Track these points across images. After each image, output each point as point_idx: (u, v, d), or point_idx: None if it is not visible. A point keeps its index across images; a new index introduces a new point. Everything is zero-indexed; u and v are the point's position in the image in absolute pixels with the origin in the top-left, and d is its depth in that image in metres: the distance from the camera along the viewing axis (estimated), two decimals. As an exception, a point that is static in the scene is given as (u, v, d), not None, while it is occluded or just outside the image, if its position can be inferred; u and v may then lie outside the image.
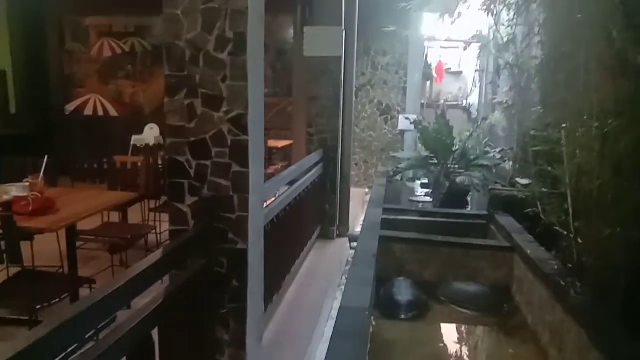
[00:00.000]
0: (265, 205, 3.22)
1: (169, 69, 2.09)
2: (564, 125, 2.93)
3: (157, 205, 4.53)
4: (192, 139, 2.10)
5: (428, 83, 8.37)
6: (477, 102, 7.73)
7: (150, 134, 7.11)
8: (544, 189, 3.56)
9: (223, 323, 2.18)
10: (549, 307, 3.02)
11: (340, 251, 4.84)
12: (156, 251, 1.81)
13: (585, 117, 2.77)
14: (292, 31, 6.74)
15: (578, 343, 2.55)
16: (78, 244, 3.64)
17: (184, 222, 2.16)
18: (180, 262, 2.03)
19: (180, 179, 2.13)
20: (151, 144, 6.32)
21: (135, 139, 7.03)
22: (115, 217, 4.48)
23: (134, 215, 4.51)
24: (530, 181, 4.09)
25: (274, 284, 3.37)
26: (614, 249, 2.55)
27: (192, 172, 2.11)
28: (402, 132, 7.66)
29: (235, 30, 2.02)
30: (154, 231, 4.20)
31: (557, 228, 3.25)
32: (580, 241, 2.99)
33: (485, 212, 4.73)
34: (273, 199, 3.51)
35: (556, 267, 3.18)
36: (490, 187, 5.03)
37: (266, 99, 7.93)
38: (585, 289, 2.79)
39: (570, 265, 3.12)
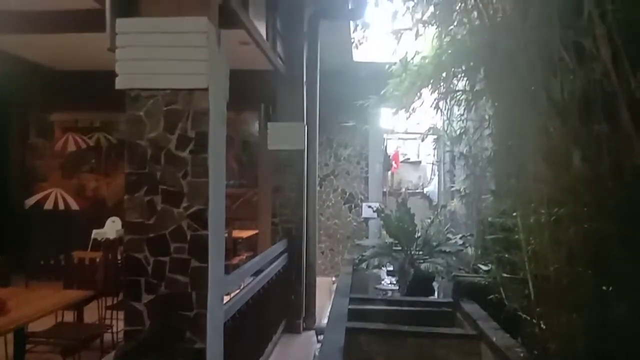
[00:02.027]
0: (227, 299, 3.15)
1: (130, 167, 2.13)
2: (514, 213, 3.06)
3: (115, 302, 4.35)
4: (151, 235, 2.10)
5: (389, 172, 8.66)
6: (436, 190, 8.00)
7: (112, 227, 6.98)
8: (505, 275, 3.62)
9: None
10: (518, 397, 2.97)
11: (306, 345, 4.68)
12: (108, 355, 1.73)
13: (534, 206, 2.91)
14: (257, 125, 6.99)
15: None
16: (28, 346, 3.41)
17: (140, 321, 2.09)
18: (134, 365, 1.93)
19: (137, 277, 2.09)
20: (112, 238, 6.18)
21: (96, 233, 6.87)
22: (70, 316, 4.26)
23: (91, 314, 4.30)
24: (491, 267, 4.17)
25: (236, 385, 3.20)
26: (576, 334, 2.57)
27: (149, 269, 2.08)
28: (366, 219, 7.78)
29: (196, 129, 2.11)
30: (110, 330, 3.99)
31: (521, 314, 3.28)
32: (544, 327, 3.01)
33: (450, 300, 4.73)
34: (237, 291, 3.44)
35: (522, 354, 3.16)
36: (453, 273, 5.08)
37: (232, 190, 7.98)
38: (552, 377, 2.77)
39: (536, 352, 3.11)
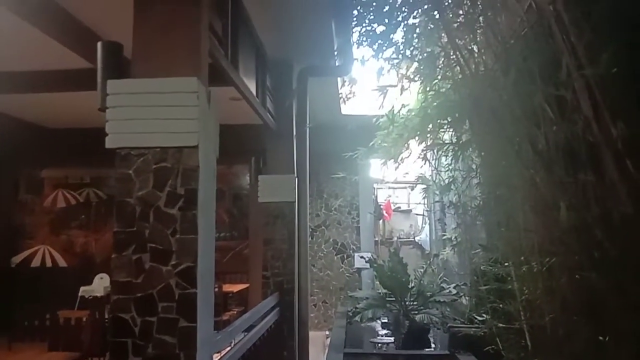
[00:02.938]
0: (217, 357, 3.06)
1: (118, 225, 2.12)
2: (506, 263, 3.05)
3: (101, 363, 4.21)
4: (139, 294, 2.06)
5: (380, 222, 8.67)
6: (428, 238, 7.99)
7: (100, 284, 6.83)
8: (500, 325, 3.57)
9: None
10: None
11: (300, 404, 4.52)
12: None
13: (525, 255, 2.91)
14: (247, 178, 7.04)
15: None
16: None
17: (127, 385, 2.02)
18: None
19: (123, 338, 2.04)
20: (100, 295, 6.05)
21: (83, 290, 6.72)
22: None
23: (75, 377, 4.14)
24: (486, 317, 4.10)
25: None
26: (574, 386, 2.52)
27: (136, 330, 2.03)
28: (359, 270, 7.72)
29: (186, 186, 2.11)
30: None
31: (519, 365, 3.20)
32: (542, 379, 2.94)
33: (447, 352, 4.62)
34: (228, 348, 3.35)
35: (522, 409, 3.07)
36: (449, 324, 4.98)
37: (222, 242, 7.94)
38: None
39: (536, 407, 3.02)
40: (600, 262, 2.18)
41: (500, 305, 3.43)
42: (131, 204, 2.13)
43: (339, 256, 7.98)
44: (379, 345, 5.92)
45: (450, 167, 5.10)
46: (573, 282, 2.50)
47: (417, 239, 8.70)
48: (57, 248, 7.92)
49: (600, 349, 2.28)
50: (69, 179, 8.10)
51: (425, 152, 4.60)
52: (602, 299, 2.21)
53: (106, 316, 4.40)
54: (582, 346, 2.47)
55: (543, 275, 2.80)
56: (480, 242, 4.48)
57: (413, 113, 4.53)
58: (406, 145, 4.92)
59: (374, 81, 4.10)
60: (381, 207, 8.45)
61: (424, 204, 7.73)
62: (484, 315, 4.35)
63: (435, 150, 4.94)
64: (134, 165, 2.16)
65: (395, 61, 3.89)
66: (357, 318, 5.96)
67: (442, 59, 3.57)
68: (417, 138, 4.64)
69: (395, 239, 8.76)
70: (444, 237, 6.40)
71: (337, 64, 5.33)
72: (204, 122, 2.22)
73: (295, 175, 4.91)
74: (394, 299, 5.94)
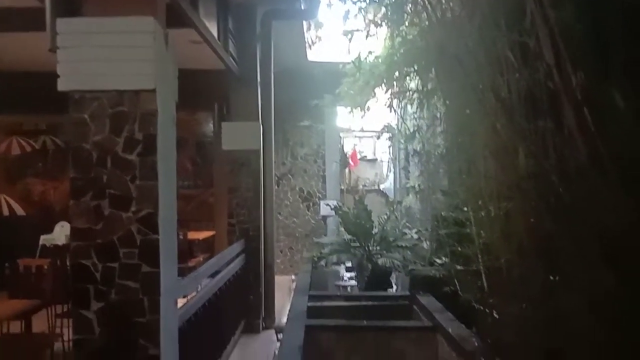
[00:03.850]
0: (182, 302, 3.09)
1: (74, 172, 2.06)
2: (465, 208, 3.14)
3: (65, 310, 4.19)
4: (99, 241, 2.03)
5: (346, 170, 8.73)
6: (392, 186, 8.12)
7: (61, 232, 6.71)
8: (459, 267, 3.71)
9: None
10: (473, 387, 3.05)
11: (266, 345, 4.66)
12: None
13: (483, 201, 3.00)
14: (211, 126, 6.90)
15: (502, 421, 2.56)
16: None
17: (89, 330, 2.02)
18: (84, 376, 1.87)
19: (85, 284, 2.03)
20: (61, 244, 5.95)
21: (44, 239, 6.60)
22: (17, 326, 4.07)
23: (40, 323, 4.13)
24: (446, 260, 4.27)
25: (194, 390, 3.15)
26: (526, 325, 2.67)
27: (98, 275, 2.02)
28: (325, 217, 7.82)
29: (144, 132, 2.06)
30: (61, 339, 3.84)
31: (475, 305, 3.36)
32: (497, 317, 3.10)
33: (407, 293, 4.82)
34: (194, 293, 3.39)
35: (477, 344, 3.25)
36: (410, 267, 5.16)
37: (187, 191, 7.84)
38: (505, 365, 2.86)
39: (489, 341, 3.20)
40: (554, 208, 2.27)
41: (459, 249, 3.57)
42: (87, 150, 2.06)
43: (304, 204, 8.05)
44: (343, 287, 6.12)
45: (416, 116, 5.14)
46: (528, 227, 2.60)
47: (382, 187, 8.83)
48: (15, 197, 7.68)
49: (552, 289, 2.41)
50: (23, 126, 7.75)
51: (391, 100, 4.59)
52: (555, 243, 2.32)
53: (68, 264, 4.34)
54: (535, 287, 2.60)
55: (500, 219, 2.90)
56: (442, 189, 4.58)
57: (380, 60, 4.48)
58: (372, 93, 4.89)
59: (341, 25, 4.00)
60: (347, 155, 8.49)
61: (389, 152, 7.81)
62: (443, 258, 4.53)
63: (400, 99, 4.95)
64: (88, 109, 2.07)
65: (363, 4, 3.80)
66: (322, 263, 6.11)
67: (410, 5, 3.50)
68: (383, 86, 4.61)
69: (360, 187, 8.87)
70: (408, 185, 6.52)
71: (302, 7, 5.17)
72: (161, 64, 2.13)
73: (260, 122, 4.84)
74: (358, 244, 6.08)
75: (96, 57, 2.11)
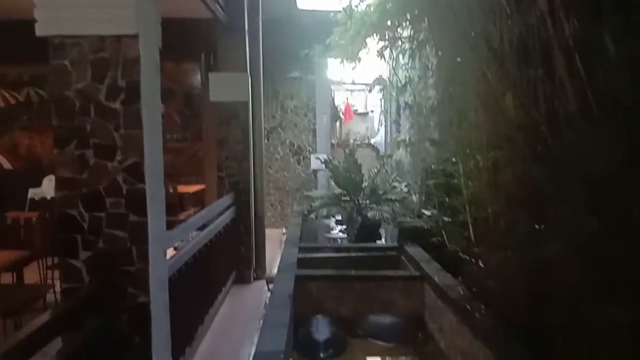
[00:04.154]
0: (172, 253, 3.12)
1: (57, 120, 2.01)
2: (453, 159, 3.14)
3: (56, 262, 4.22)
4: (85, 190, 2.01)
5: (337, 124, 8.66)
6: (383, 140, 8.10)
7: (49, 185, 6.66)
8: (446, 218, 3.76)
9: (126, 384, 2.05)
10: (458, 332, 3.14)
11: (257, 295, 4.76)
12: (46, 313, 1.68)
13: (472, 151, 3.00)
14: (199, 77, 6.75)
15: (486, 364, 2.65)
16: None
17: (79, 278, 2.04)
18: (74, 322, 1.89)
19: (72, 234, 2.02)
20: (49, 197, 5.92)
21: (32, 193, 6.56)
22: (9, 278, 4.10)
23: (31, 275, 4.17)
24: (434, 211, 4.31)
25: (186, 336, 3.22)
26: (511, 272, 2.73)
27: (85, 225, 2.01)
28: (315, 171, 7.82)
29: (127, 79, 2.00)
30: (52, 290, 3.88)
31: (461, 254, 3.43)
32: (482, 265, 3.16)
33: (395, 244, 4.89)
34: (184, 244, 3.41)
35: (462, 292, 3.33)
36: (399, 219, 5.23)
37: (175, 144, 7.75)
38: (489, 312, 2.94)
39: (475, 290, 3.28)
40: (542, 157, 2.27)
41: (447, 200, 3.60)
42: (70, 98, 2.01)
43: (295, 158, 8.03)
44: (333, 240, 6.21)
45: (407, 67, 5.07)
46: (516, 176, 2.62)
47: (372, 141, 8.81)
48: (1, 151, 7.58)
49: (537, 237, 2.45)
50: (6, 77, 7.54)
51: (383, 49, 4.50)
52: (541, 192, 2.34)
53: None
54: (520, 235, 2.64)
55: (488, 170, 2.91)
56: (431, 138, 4.56)
57: (372, 8, 4.36)
58: (364, 43, 4.79)
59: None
60: (338, 108, 8.40)
61: (381, 105, 7.73)
62: (431, 210, 4.58)
63: (392, 49, 4.86)
64: (69, 55, 2.01)
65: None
66: (313, 216, 6.16)
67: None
68: (375, 35, 4.51)
69: (351, 141, 8.84)
70: (399, 139, 6.50)
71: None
72: (143, 9, 2.05)
73: (249, 73, 4.74)
74: (348, 198, 6.13)
75: (75, 1, 2.02)
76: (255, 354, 2.66)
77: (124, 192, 1.99)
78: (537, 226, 2.40)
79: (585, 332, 1.91)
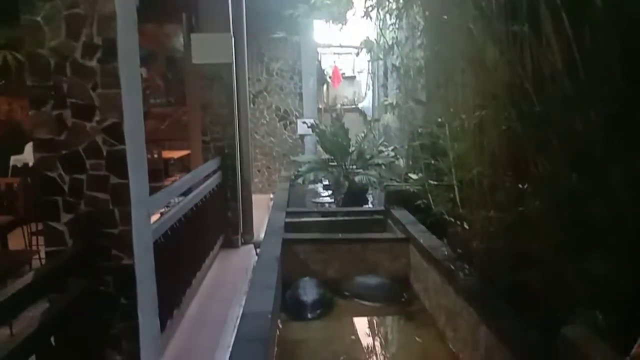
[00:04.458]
0: (157, 217, 3.10)
1: (32, 80, 1.95)
2: (440, 119, 3.13)
3: (40, 228, 4.19)
4: (64, 152, 1.97)
5: (324, 88, 8.56)
6: (370, 104, 8.04)
7: (32, 152, 6.55)
8: (432, 181, 3.78)
9: (114, 344, 2.06)
10: (442, 291, 3.20)
11: (245, 259, 4.79)
12: (27, 275, 1.67)
13: (459, 111, 2.98)
14: (181, 39, 6.58)
15: (469, 321, 2.72)
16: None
17: (62, 241, 2.01)
18: (59, 284, 1.88)
19: (53, 196, 1.99)
20: (32, 163, 5.83)
21: (14, 160, 6.45)
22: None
23: (17, 242, 4.14)
24: (420, 175, 4.33)
25: (173, 299, 3.25)
26: (494, 232, 2.76)
27: (65, 187, 1.98)
28: (302, 136, 7.77)
29: (103, 36, 1.93)
30: (38, 256, 3.87)
31: (446, 216, 3.46)
32: (467, 227, 3.20)
33: (382, 208, 4.92)
34: (169, 208, 3.39)
35: (446, 253, 3.38)
36: (385, 183, 5.25)
37: (159, 109, 7.62)
38: (473, 271, 2.99)
39: (459, 251, 3.33)
40: (527, 115, 2.27)
41: (433, 162, 3.60)
42: (44, 56, 1.93)
43: (281, 123, 7.95)
44: (321, 205, 6.23)
45: (395, 27, 4.97)
46: (500, 136, 2.62)
47: (360, 105, 8.74)
48: (-21, 117, 7.40)
49: (520, 197, 2.47)
50: (-19, 41, 7.28)
51: (369, 10, 4.41)
52: (525, 151, 2.34)
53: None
54: (504, 195, 2.66)
55: (474, 131, 2.91)
56: (417, 98, 4.52)
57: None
58: (350, 3, 4.69)
59: None
60: (325, 72, 8.29)
61: (369, 68, 7.63)
62: (418, 173, 4.59)
63: (379, 9, 4.75)
64: (41, 11, 1.93)
65: None
66: (300, 181, 6.16)
67: None
68: (361, -6, 4.41)
69: (339, 106, 8.76)
70: (386, 103, 6.46)
71: None
72: (118, -39, 1.96)
73: (232, 34, 4.62)
74: (335, 163, 6.12)
75: (45, -47, 1.93)
76: (242, 314, 2.69)
77: (104, 153, 1.95)
78: (520, 186, 2.42)
79: (563, 287, 1.95)
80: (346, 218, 4.86)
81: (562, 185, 1.96)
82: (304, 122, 6.97)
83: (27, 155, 6.54)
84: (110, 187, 1.96)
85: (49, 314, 1.70)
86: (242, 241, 5.16)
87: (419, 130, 4.52)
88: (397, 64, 5.36)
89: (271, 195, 7.51)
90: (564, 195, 1.96)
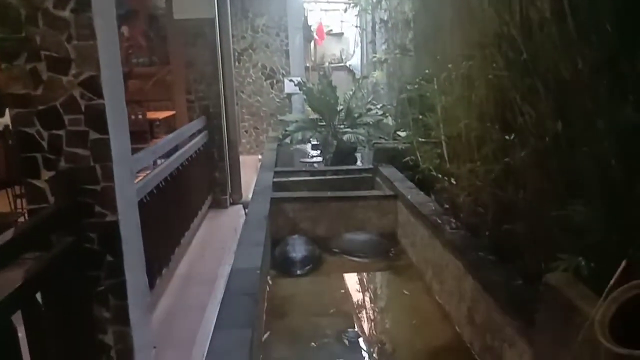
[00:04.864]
0: (143, 176, 3.07)
1: (2, 31, 1.86)
2: (427, 70, 3.08)
3: (24, 191, 4.13)
4: (40, 107, 1.91)
5: (312, 46, 8.39)
6: (359, 62, 7.92)
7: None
8: (420, 139, 3.76)
9: (102, 301, 2.06)
10: (429, 246, 3.24)
11: (234, 218, 4.79)
12: (8, 231, 1.64)
13: (446, 63, 2.94)
14: (163, -5, 6.36)
15: (455, 273, 2.76)
16: None
17: (43, 199, 1.98)
18: (41, 241, 1.86)
19: (32, 153, 1.94)
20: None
21: (-5, 122, 6.30)
22: (-23, 209, 4.03)
23: (0, 204, 4.10)
24: (408, 132, 4.30)
25: (162, 258, 3.25)
26: (481, 185, 2.76)
27: (44, 144, 1.93)
28: (290, 95, 7.66)
29: (75, -17, 1.84)
30: (23, 218, 3.83)
31: (434, 172, 3.46)
32: (454, 182, 3.21)
33: (370, 166, 4.92)
34: (154, 167, 3.35)
35: (434, 208, 3.40)
36: (374, 142, 5.22)
37: (143, 68, 7.42)
38: (459, 225, 3.02)
39: (446, 206, 3.35)
40: (514, 64, 2.23)
41: (421, 117, 3.57)
42: (13, 5, 1.84)
43: (268, 81, 7.81)
44: (309, 164, 6.21)
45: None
46: (488, 86, 2.58)
47: (348, 63, 8.61)
48: (-43, 79, 7.17)
49: (506, 148, 2.46)
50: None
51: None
52: (512, 101, 2.31)
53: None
54: (490, 147, 2.65)
55: (461, 82, 2.87)
56: (404, 46, 4.43)
57: None
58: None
59: None
60: (311, 29, 8.10)
61: (357, 23, 7.45)
62: (406, 131, 4.57)
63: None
64: (8, -43, 1.83)
65: None
66: (288, 140, 6.12)
67: None
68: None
69: (326, 64, 8.62)
70: (374, 59, 6.36)
71: None
72: None
73: (214, -13, 4.47)
74: (324, 122, 6.07)
75: None
76: (231, 270, 2.71)
77: (83, 108, 1.89)
78: (507, 137, 2.40)
79: (547, 236, 1.97)
80: (335, 177, 4.87)
81: (548, 134, 1.95)
82: (291, 81, 6.86)
83: (8, 118, 6.40)
84: (90, 143, 1.91)
85: (34, 270, 1.68)
86: (231, 201, 5.15)
87: (407, 87, 4.47)
88: (385, 17, 5.24)
89: (259, 157, 7.47)
90: (549, 144, 1.96)
